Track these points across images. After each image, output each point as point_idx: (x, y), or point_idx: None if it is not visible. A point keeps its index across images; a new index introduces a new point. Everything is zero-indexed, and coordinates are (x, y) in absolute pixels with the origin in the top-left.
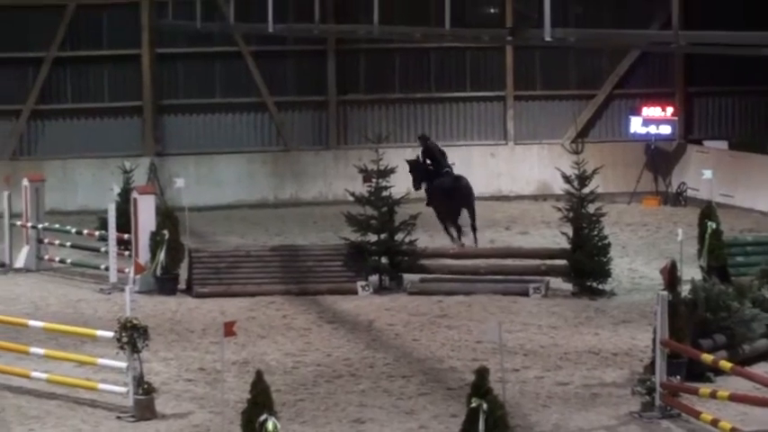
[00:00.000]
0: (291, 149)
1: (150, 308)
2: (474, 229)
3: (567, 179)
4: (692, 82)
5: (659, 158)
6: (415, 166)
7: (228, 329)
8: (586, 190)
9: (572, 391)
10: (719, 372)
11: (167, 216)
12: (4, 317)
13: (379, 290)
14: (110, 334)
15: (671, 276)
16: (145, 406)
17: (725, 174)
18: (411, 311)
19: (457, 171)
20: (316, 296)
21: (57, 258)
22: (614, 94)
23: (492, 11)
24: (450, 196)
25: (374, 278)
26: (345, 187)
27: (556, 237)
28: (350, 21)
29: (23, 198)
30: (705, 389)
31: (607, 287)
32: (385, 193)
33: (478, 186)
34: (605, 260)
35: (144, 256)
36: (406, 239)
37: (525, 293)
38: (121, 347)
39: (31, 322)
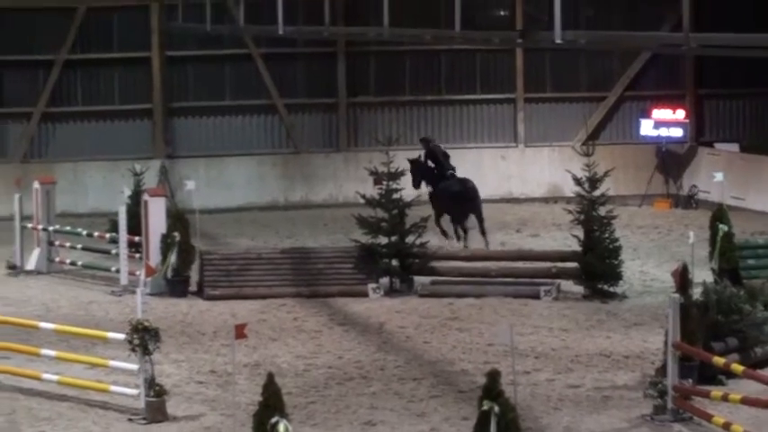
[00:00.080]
0: (301, 152)
1: (161, 310)
2: (483, 232)
3: (577, 181)
4: (703, 84)
5: (670, 161)
6: (416, 166)
7: (239, 332)
8: (597, 192)
9: (583, 393)
10: (731, 375)
11: (178, 218)
12: (15, 319)
13: (390, 292)
14: (121, 336)
15: (682, 279)
16: (156, 408)
17: (736, 176)
18: (422, 314)
19: (467, 174)
20: (326, 298)
21: (68, 260)
22: (625, 96)
23: (502, 13)
24: (456, 200)
25: (385, 280)
26: (356, 190)
27: (567, 239)
28: (360, 23)
29: (34, 200)
30: (717, 392)
31: (618, 290)
32: (395, 196)
33: (489, 189)
34: (616, 263)
35: (155, 258)
36: (417, 242)
37: (536, 296)
38: (133, 349)
39: (43, 324)
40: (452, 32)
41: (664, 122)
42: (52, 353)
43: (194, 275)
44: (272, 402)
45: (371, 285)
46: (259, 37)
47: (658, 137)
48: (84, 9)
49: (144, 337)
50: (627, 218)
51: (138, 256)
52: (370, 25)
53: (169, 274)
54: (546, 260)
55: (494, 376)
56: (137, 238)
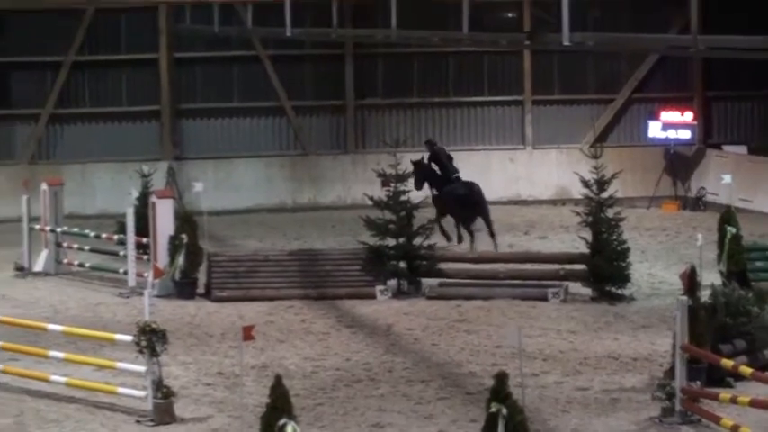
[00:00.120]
0: (309, 154)
1: (169, 312)
2: (492, 234)
3: (585, 184)
4: (711, 86)
5: (678, 163)
6: (419, 167)
7: (247, 333)
8: (605, 194)
9: (592, 396)
10: (739, 377)
11: (186, 220)
12: (23, 320)
13: (398, 294)
14: (129, 338)
15: (690, 281)
16: (164, 410)
17: (744, 178)
18: (430, 316)
19: (475, 176)
20: (334, 300)
21: (75, 262)
22: (633, 98)
23: (510, 15)
24: (461, 203)
25: (393, 282)
26: (364, 191)
27: (575, 241)
28: (368, 25)
29: (42, 202)
30: (725, 394)
31: (626, 292)
32: (403, 198)
33: (497, 191)
34: (624, 265)
35: (163, 260)
36: (425, 244)
37: (544, 298)
38: (140, 351)
39: (50, 326)
40: (460, 34)
41: (672, 125)
42: (60, 354)
43: (202, 277)
44: (279, 404)
45: (379, 287)
46: (267, 39)
47: (666, 139)
48: (92, 10)
49: (152, 339)
50: (635, 220)
51: (145, 257)
52: (377, 27)
53: (177, 276)
54: (554, 262)
55: (502, 378)
56: (145, 240)
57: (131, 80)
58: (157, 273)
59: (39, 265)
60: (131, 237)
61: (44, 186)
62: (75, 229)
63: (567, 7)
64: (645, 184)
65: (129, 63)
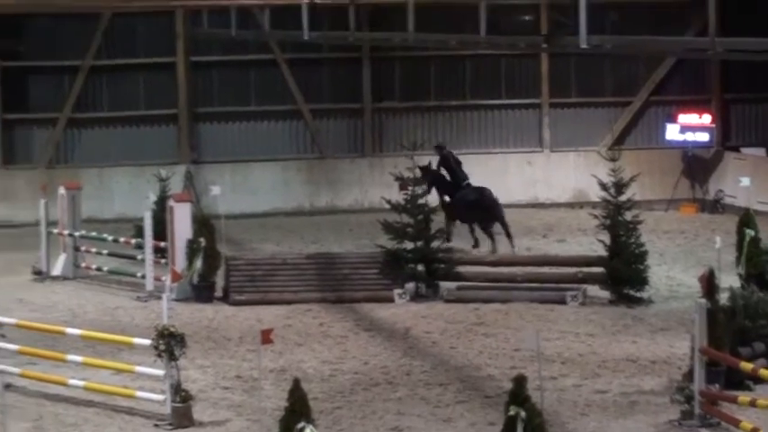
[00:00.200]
0: (327, 157)
1: (187, 315)
2: (509, 235)
3: (603, 186)
4: (729, 89)
5: (696, 166)
6: (427, 172)
7: (265, 337)
8: (623, 197)
9: (610, 399)
10: (759, 380)
11: (203, 224)
12: (41, 324)
13: (416, 297)
14: (147, 342)
15: (709, 284)
16: (182, 414)
17: (763, 181)
18: (448, 319)
19: (492, 178)
20: (352, 304)
21: (93, 266)
22: (650, 101)
23: (527, 18)
24: (475, 209)
25: (410, 286)
26: (381, 195)
27: (593, 244)
28: (385, 28)
29: (60, 206)
30: (744, 397)
31: (645, 295)
32: (421, 201)
33: (515, 194)
34: (642, 268)
35: (180, 263)
36: (443, 247)
37: (562, 301)
38: (159, 355)
39: (69, 330)
40: (477, 37)
41: (689, 127)
42: (78, 358)
43: (220, 281)
44: (298, 408)
45: (397, 291)
46: (284, 42)
47: (684, 141)
48: (109, 15)
49: (170, 343)
50: (653, 223)
51: (163, 261)
52: (395, 30)
53: (195, 280)
54: (572, 265)
55: (520, 381)
56: (162, 244)
57: (149, 84)
58: (175, 276)
59: (57, 269)
60: (149, 240)
61: (62, 190)
62: (93, 233)
63: (585, 10)
64: (663, 187)
65: (146, 67)
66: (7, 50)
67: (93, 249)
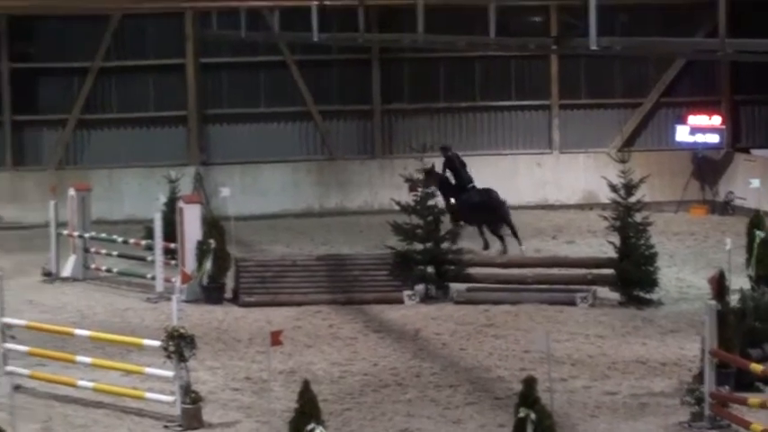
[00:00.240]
0: (336, 158)
1: (197, 317)
2: (516, 235)
3: (613, 188)
4: (739, 90)
5: (706, 167)
6: (430, 175)
7: (275, 339)
8: (633, 199)
9: (620, 400)
10: None
11: (213, 225)
12: (51, 326)
13: (426, 299)
14: (157, 343)
15: (719, 286)
16: (192, 415)
17: None
18: (458, 321)
19: (502, 180)
20: (362, 305)
21: (103, 267)
22: (660, 102)
23: (537, 19)
24: (481, 211)
25: (420, 287)
26: (391, 196)
27: (602, 246)
28: (394, 29)
29: (70, 207)
30: (754, 399)
31: (654, 297)
32: (430, 202)
33: (524, 195)
34: (652, 269)
35: (190, 265)
36: (452, 248)
37: (572, 303)
38: (168, 356)
39: (78, 331)
40: (487, 39)
41: (699, 128)
42: (88, 360)
43: (230, 282)
44: (307, 409)
45: (407, 292)
46: (294, 44)
47: (694, 143)
48: (118, 16)
49: (179, 344)
50: (663, 224)
51: (173, 262)
52: (404, 32)
53: (204, 281)
54: (582, 267)
55: (530, 383)
56: (172, 245)
57: (158, 86)
58: (185, 278)
59: (66, 271)
60: (159, 242)
61: (72, 192)
62: (103, 235)
63: (595, 11)
64: (673, 189)
65: (155, 69)
66: (17, 52)
67: (103, 251)
